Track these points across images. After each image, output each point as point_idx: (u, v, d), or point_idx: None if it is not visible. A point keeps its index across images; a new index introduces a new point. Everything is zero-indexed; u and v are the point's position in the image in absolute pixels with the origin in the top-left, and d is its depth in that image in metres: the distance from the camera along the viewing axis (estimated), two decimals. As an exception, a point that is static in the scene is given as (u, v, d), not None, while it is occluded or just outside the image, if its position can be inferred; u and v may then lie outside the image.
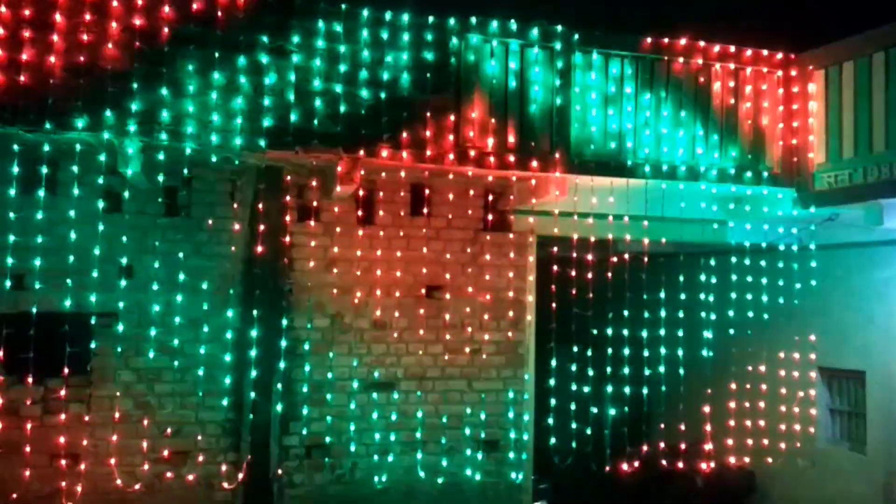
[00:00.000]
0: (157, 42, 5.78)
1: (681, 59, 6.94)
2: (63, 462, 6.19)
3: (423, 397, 7.05)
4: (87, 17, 5.66)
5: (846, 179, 6.82)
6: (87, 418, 6.28)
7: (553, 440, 7.40)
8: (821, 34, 7.29)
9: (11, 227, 6.09)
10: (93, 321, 6.32)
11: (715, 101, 7.06)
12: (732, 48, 7.13)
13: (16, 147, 5.87)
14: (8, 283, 6.13)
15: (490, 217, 7.30)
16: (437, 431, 7.07)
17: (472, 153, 6.46)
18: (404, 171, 6.74)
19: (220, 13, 5.89)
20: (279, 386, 6.66)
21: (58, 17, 5.61)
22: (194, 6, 5.86)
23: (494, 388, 7.25)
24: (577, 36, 6.69)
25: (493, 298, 7.25)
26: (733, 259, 8.28)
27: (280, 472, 6.63)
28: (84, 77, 5.61)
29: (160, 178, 6.33)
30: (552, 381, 7.43)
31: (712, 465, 8.32)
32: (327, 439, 6.79)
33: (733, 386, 8.51)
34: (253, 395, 6.59)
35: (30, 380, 6.10)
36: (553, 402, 7.46)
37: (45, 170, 6.11)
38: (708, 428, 8.18)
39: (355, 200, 6.87)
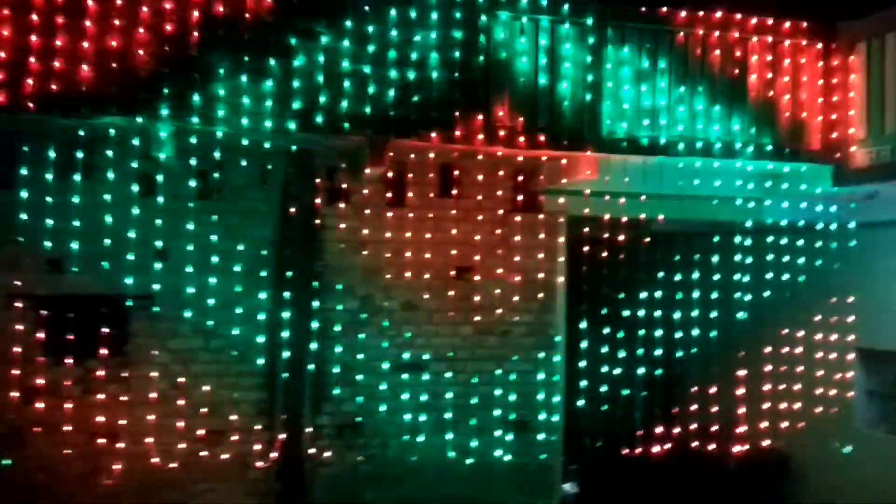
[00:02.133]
0: (188, 27, 5.80)
1: (716, 33, 6.76)
2: (102, 441, 6.34)
3: (453, 378, 7.06)
4: (119, 2, 5.70)
5: (887, 155, 6.61)
6: (124, 398, 6.41)
7: (583, 421, 7.37)
8: (862, 4, 7.04)
9: (49, 212, 6.20)
10: (129, 303, 6.43)
11: (751, 75, 6.87)
12: (770, 20, 6.93)
13: (51, 132, 5.96)
14: (47, 267, 6.25)
15: (520, 198, 7.23)
16: (467, 412, 7.08)
17: (502, 133, 6.39)
18: (433, 152, 6.70)
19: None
20: (311, 367, 6.72)
21: (90, 2, 5.65)
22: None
23: (524, 370, 7.23)
24: (609, 10, 6.55)
25: (522, 280, 7.21)
26: (770, 238, 8.10)
27: (312, 451, 6.72)
28: (117, 62, 5.67)
29: (192, 161, 6.39)
30: (583, 363, 7.39)
31: (745, 448, 8.22)
32: (358, 419, 6.85)
33: (768, 368, 8.37)
34: (285, 375, 6.66)
35: (69, 361, 6.25)
36: (583, 383, 7.43)
37: (80, 154, 6.21)
38: (741, 410, 8.08)
39: (384, 182, 6.85)
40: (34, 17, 5.57)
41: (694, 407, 8.51)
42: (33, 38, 5.56)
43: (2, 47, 5.52)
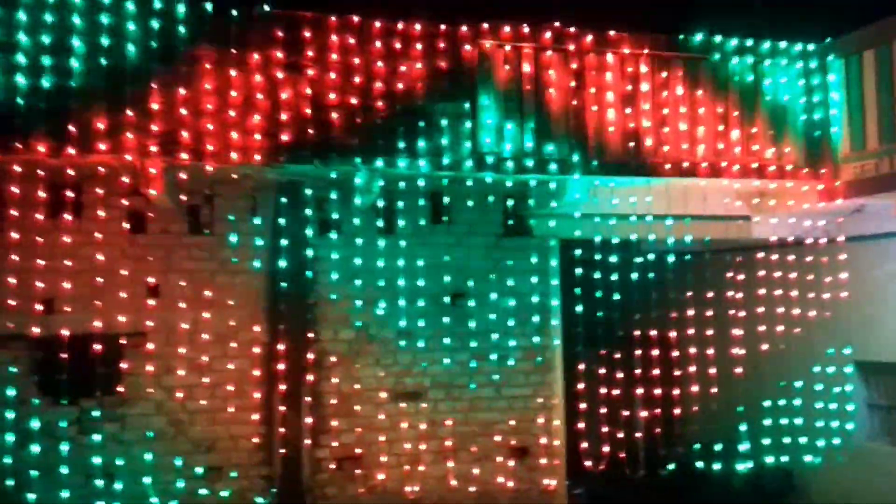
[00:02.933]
0: (174, 62, 5.88)
1: (697, 55, 6.88)
2: (99, 482, 6.26)
3: (452, 406, 7.02)
4: (105, 41, 5.78)
5: (872, 169, 6.69)
6: (121, 437, 6.35)
7: (585, 444, 7.32)
8: (839, 23, 7.19)
9: (39, 252, 6.21)
10: (122, 341, 6.41)
11: (734, 95, 6.98)
12: (750, 41, 7.06)
13: (40, 172, 6.01)
14: (39, 307, 6.25)
15: (511, 222, 7.28)
16: (468, 440, 7.03)
17: (490, 159, 6.46)
18: (422, 179, 6.76)
19: (233, 30, 5.99)
20: (308, 399, 6.68)
21: (76, 42, 5.73)
22: (208, 27, 5.96)
23: (523, 395, 7.20)
24: (590, 37, 6.67)
25: (517, 304, 7.22)
26: (760, 255, 8.15)
27: (312, 484, 6.64)
28: (105, 100, 5.73)
29: (183, 196, 6.43)
30: (581, 385, 7.36)
31: (749, 465, 8.16)
32: (357, 450, 6.79)
33: (767, 384, 8.35)
34: (282, 408, 6.62)
35: (64, 401, 6.21)
36: (583, 406, 7.39)
37: (69, 193, 6.25)
38: (743, 427, 8.04)
39: (375, 211, 6.89)
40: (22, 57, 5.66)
41: (696, 426, 8.47)
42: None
43: None
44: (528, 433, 7.18)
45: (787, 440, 8.23)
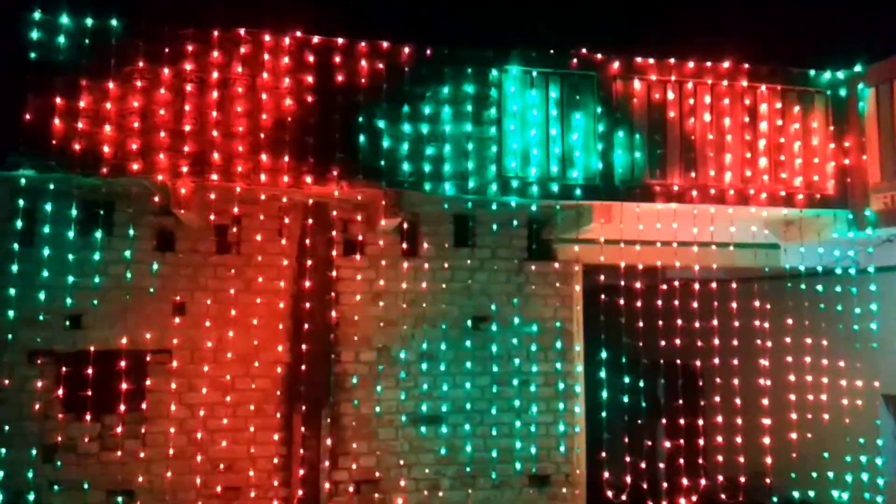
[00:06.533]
0: (207, 86, 5.99)
1: (724, 83, 6.86)
2: (119, 499, 6.28)
3: (472, 431, 6.97)
4: (140, 63, 5.91)
5: (903, 199, 6.59)
6: (142, 454, 6.38)
7: (606, 474, 7.21)
8: (871, 51, 7.14)
9: (71, 269, 6.31)
10: (147, 358, 6.47)
11: (762, 122, 6.94)
12: (777, 69, 7.02)
13: (74, 191, 6.13)
14: (67, 323, 6.33)
15: (534, 246, 7.27)
16: (487, 466, 6.96)
17: (515, 183, 6.47)
18: (447, 202, 6.78)
19: (265, 55, 6.09)
20: (328, 420, 6.67)
21: (113, 62, 5.87)
22: (242, 49, 6.07)
23: (545, 421, 7.13)
24: (618, 63, 6.69)
25: (539, 329, 7.17)
26: (788, 284, 8.03)
27: (330, 507, 6.61)
28: (139, 122, 5.85)
29: (211, 216, 6.51)
30: (604, 413, 7.27)
31: (774, 500, 7.97)
32: (377, 474, 6.75)
33: (794, 416, 8.18)
34: (303, 429, 6.61)
35: (87, 417, 6.26)
36: (605, 434, 7.29)
37: (101, 212, 6.36)
38: (768, 460, 7.86)
39: (400, 233, 6.92)
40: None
41: (720, 458, 8.30)
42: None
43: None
44: (549, 461, 7.09)
45: (814, 474, 8.04)
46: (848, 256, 7.53)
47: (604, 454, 7.34)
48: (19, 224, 6.22)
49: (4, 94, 5.74)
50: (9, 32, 5.75)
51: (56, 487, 6.19)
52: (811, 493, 8.08)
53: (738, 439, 7.71)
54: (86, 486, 6.22)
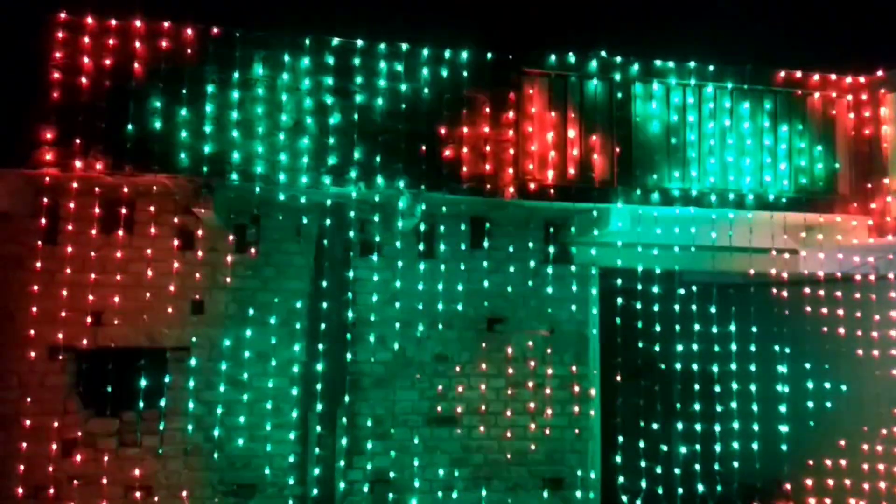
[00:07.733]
0: (228, 88, 6.06)
1: (745, 87, 6.83)
2: (137, 494, 6.35)
3: (487, 433, 6.97)
4: (163, 65, 5.99)
5: (924, 205, 6.52)
6: (160, 451, 6.44)
7: (621, 478, 7.18)
8: (891, 57, 7.08)
9: (92, 266, 6.39)
10: (166, 355, 6.53)
11: (782, 127, 6.90)
12: (799, 73, 6.99)
13: (97, 189, 6.21)
14: (88, 320, 6.41)
15: (551, 249, 7.26)
16: (502, 468, 6.96)
17: (532, 186, 6.47)
18: (464, 204, 6.80)
19: (287, 57, 6.15)
20: (344, 420, 6.70)
21: (136, 65, 5.95)
22: (262, 52, 6.13)
23: (559, 424, 7.12)
24: (636, 66, 6.68)
25: (555, 332, 7.16)
26: (807, 290, 7.96)
27: (345, 506, 6.64)
28: (161, 122, 5.93)
29: (231, 216, 6.57)
30: (619, 418, 7.25)
31: (792, 506, 7.90)
32: (391, 474, 6.77)
33: (811, 423, 8.11)
34: (318, 428, 6.64)
35: (107, 413, 6.33)
36: (620, 438, 7.26)
37: (123, 210, 6.44)
38: (786, 467, 7.80)
39: (416, 234, 6.95)
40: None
41: (736, 464, 8.24)
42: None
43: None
44: (564, 464, 7.08)
45: (830, 481, 7.96)
46: (867, 263, 7.46)
47: (619, 458, 7.32)
48: (43, 221, 6.32)
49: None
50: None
51: (75, 482, 6.26)
52: (827, 501, 7.99)
53: (755, 445, 7.66)
54: (104, 481, 6.29)
